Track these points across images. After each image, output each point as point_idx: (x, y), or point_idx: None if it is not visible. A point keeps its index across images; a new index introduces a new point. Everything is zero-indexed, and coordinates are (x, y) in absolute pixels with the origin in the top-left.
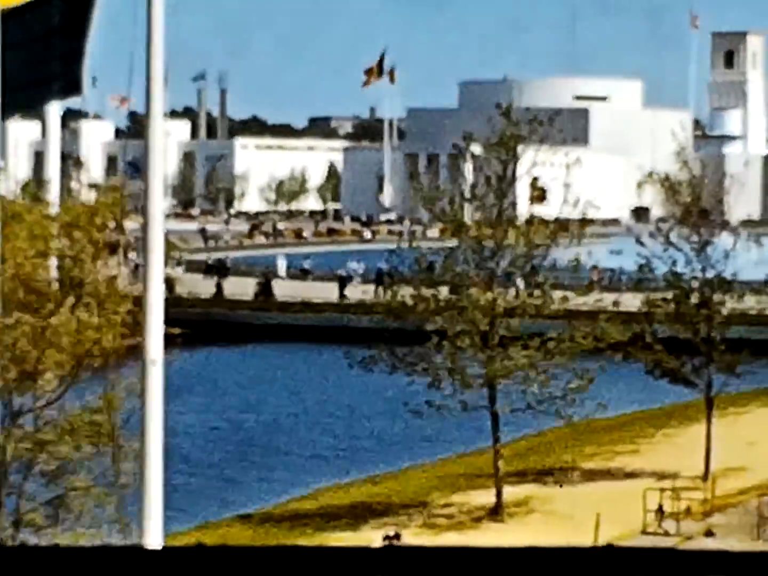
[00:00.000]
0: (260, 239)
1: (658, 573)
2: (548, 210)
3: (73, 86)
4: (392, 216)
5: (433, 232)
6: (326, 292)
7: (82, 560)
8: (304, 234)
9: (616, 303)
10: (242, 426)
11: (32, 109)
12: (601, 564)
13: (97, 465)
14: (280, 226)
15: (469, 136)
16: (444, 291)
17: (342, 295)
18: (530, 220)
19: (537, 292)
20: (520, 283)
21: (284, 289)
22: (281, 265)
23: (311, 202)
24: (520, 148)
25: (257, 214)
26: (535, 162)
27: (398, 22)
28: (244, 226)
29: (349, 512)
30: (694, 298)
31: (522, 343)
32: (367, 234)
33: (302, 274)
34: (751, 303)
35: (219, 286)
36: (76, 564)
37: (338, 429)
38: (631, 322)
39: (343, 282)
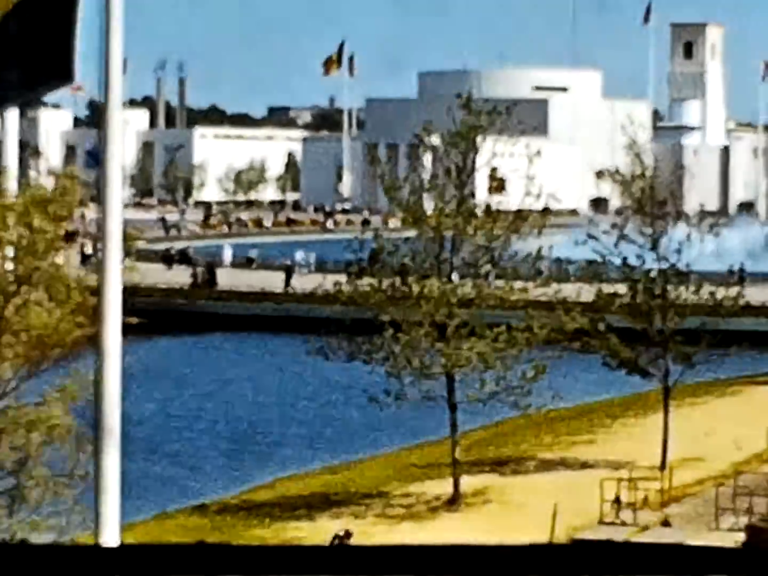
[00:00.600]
0: (224, 229)
1: (663, 571)
2: (508, 201)
3: (65, 74)
4: (347, 206)
5: (395, 221)
6: (271, 281)
7: (82, 560)
8: (265, 224)
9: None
10: (202, 415)
11: (25, 102)
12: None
13: (54, 455)
14: (243, 216)
15: (429, 127)
16: (402, 281)
17: (287, 285)
18: (490, 211)
19: (496, 283)
20: (491, 274)
21: (229, 278)
22: (227, 255)
23: (270, 192)
24: (479, 138)
25: (208, 205)
26: (494, 153)
27: (358, 11)
28: (202, 216)
29: (307, 502)
30: (649, 289)
31: (480, 334)
32: (330, 224)
33: (247, 263)
34: (707, 294)
35: (195, 277)
36: (75, 564)
37: (298, 417)
38: (588, 312)
39: (289, 271)
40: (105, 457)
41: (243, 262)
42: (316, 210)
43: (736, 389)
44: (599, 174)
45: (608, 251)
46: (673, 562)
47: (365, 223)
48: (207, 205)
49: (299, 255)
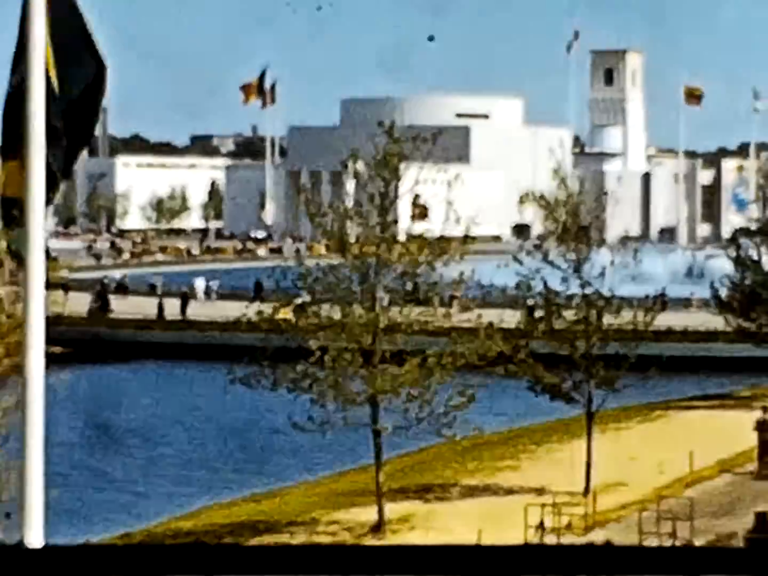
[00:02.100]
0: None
1: (657, 571)
2: (431, 227)
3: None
4: (260, 234)
5: (321, 249)
6: (171, 308)
7: (81, 560)
8: (192, 251)
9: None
10: (124, 441)
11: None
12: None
13: None
14: (166, 244)
15: (356, 154)
16: (326, 308)
17: (183, 312)
18: (412, 238)
19: (420, 309)
20: (415, 300)
21: (126, 306)
22: (113, 281)
23: (194, 221)
24: (402, 166)
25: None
26: (417, 179)
27: (280, 38)
28: (126, 244)
29: (232, 531)
30: (572, 315)
31: (404, 360)
32: (261, 251)
33: (150, 290)
34: (629, 319)
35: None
36: (74, 564)
37: (221, 445)
38: (512, 338)
39: (185, 299)
40: (29, 484)
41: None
42: (233, 237)
43: (659, 414)
44: (522, 200)
45: (532, 276)
46: (673, 563)
47: (298, 251)
48: (117, 234)
49: (200, 282)
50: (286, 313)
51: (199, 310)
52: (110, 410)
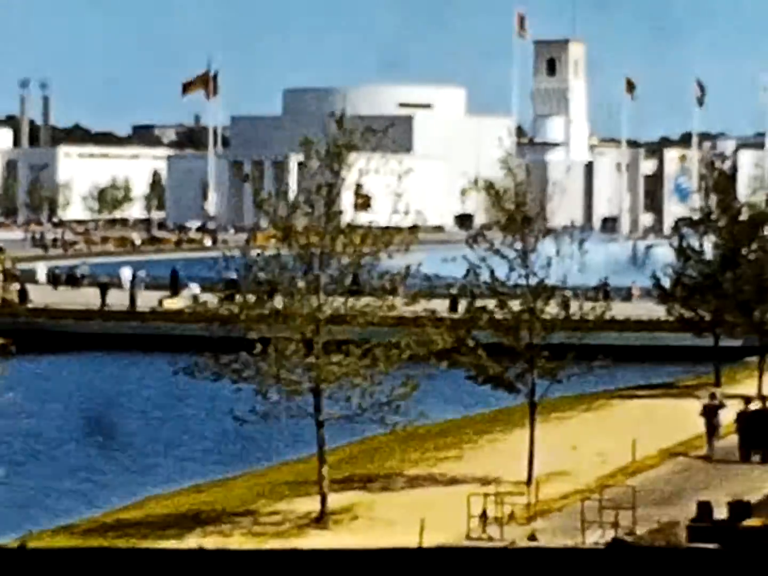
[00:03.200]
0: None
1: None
2: (375, 218)
3: None
4: (196, 224)
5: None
6: (94, 298)
7: (81, 561)
8: (135, 242)
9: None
10: (70, 433)
11: None
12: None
13: None
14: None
15: (307, 142)
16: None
17: (103, 302)
18: (357, 228)
19: (364, 299)
20: (359, 291)
21: (44, 296)
22: (40, 272)
23: (136, 211)
24: (351, 156)
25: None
26: (362, 170)
27: (222, 28)
28: (68, 235)
29: (175, 521)
30: (517, 305)
31: (347, 350)
32: (208, 241)
33: (71, 280)
34: (574, 309)
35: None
36: (75, 564)
37: (166, 436)
38: (456, 328)
39: (105, 289)
40: None
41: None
42: (197, 230)
43: (601, 403)
44: (464, 192)
45: (479, 265)
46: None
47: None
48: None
49: (126, 271)
50: (173, 303)
51: (119, 300)
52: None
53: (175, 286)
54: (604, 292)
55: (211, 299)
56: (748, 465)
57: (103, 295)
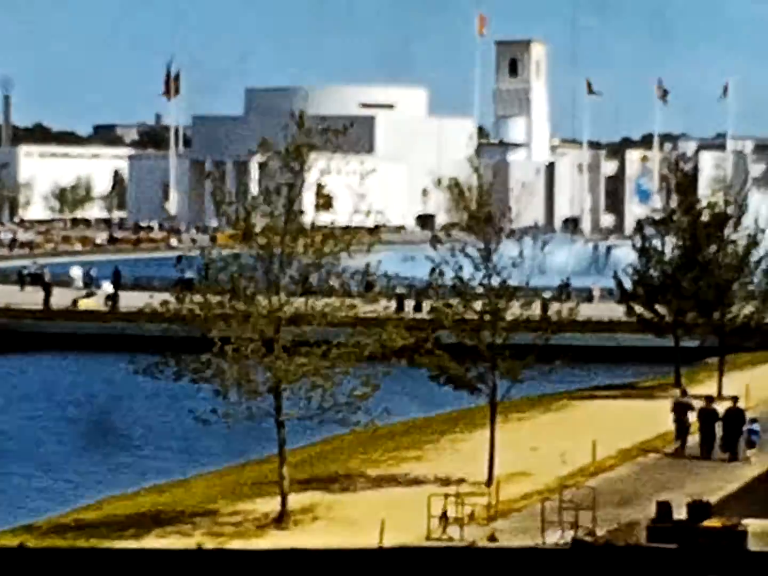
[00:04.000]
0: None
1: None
2: (336, 218)
3: None
4: (153, 223)
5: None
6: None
7: (82, 561)
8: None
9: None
10: (24, 433)
11: None
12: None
13: None
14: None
15: (266, 143)
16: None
17: (46, 302)
18: (318, 228)
19: (325, 299)
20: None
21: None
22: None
23: (97, 211)
24: (311, 156)
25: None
26: (323, 170)
27: (184, 28)
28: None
29: (135, 521)
30: (479, 305)
31: (307, 350)
32: (174, 241)
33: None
34: (537, 309)
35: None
36: (75, 565)
37: (124, 436)
38: (418, 328)
39: (48, 289)
40: None
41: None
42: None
43: (562, 404)
44: (425, 192)
45: (442, 264)
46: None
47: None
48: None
49: (76, 271)
50: (86, 304)
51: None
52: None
53: (117, 283)
54: (565, 292)
55: (154, 300)
56: (711, 464)
57: (47, 294)
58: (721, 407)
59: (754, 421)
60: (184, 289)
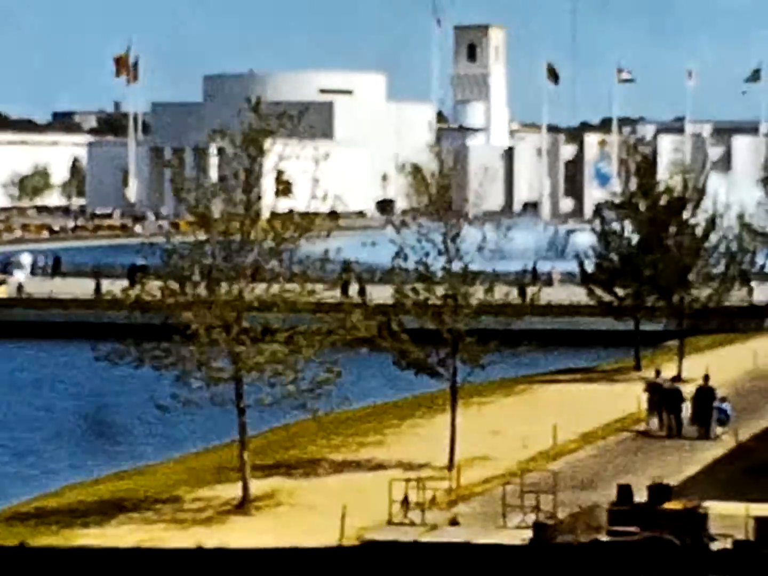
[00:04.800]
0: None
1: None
2: (295, 204)
3: None
4: (107, 210)
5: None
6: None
7: (81, 561)
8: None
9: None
10: None
11: None
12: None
13: None
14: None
15: (220, 131)
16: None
17: None
18: (277, 214)
19: (285, 286)
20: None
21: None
22: None
23: (56, 198)
24: (268, 142)
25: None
26: (281, 156)
27: (143, 14)
28: None
29: (97, 508)
30: (441, 290)
31: (269, 337)
32: (138, 228)
33: None
34: (499, 294)
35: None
36: (75, 564)
37: (88, 422)
38: (380, 314)
39: None
40: None
41: None
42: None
43: (523, 388)
44: (384, 177)
45: (404, 249)
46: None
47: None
48: None
49: (26, 258)
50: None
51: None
52: None
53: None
54: (533, 276)
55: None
56: (674, 445)
57: None
58: (686, 389)
59: (723, 399)
60: (135, 275)
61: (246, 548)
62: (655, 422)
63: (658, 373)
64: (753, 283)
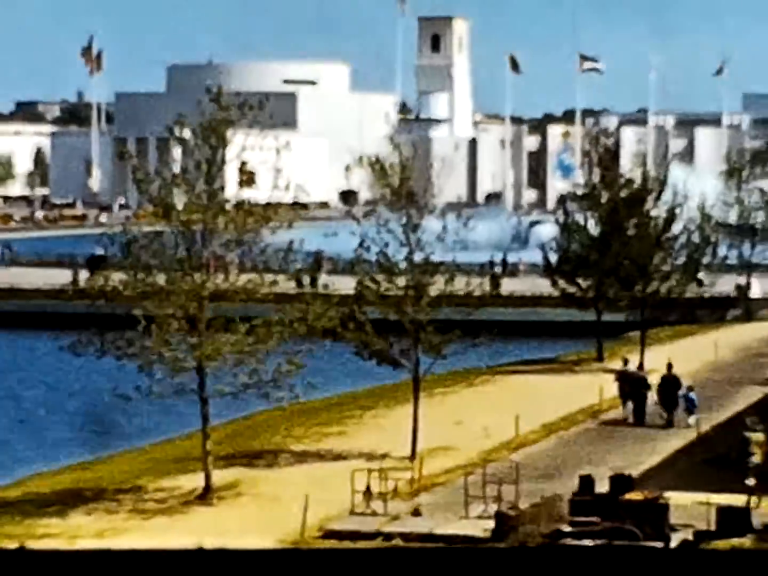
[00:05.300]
0: None
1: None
2: (258, 194)
3: None
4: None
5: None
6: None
7: (81, 562)
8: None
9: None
10: None
11: None
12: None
13: None
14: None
15: (182, 120)
16: (154, 275)
17: None
18: (239, 205)
19: (248, 276)
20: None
21: None
22: None
23: (19, 188)
24: (229, 132)
25: None
26: (244, 146)
27: (107, 4)
28: None
29: (59, 498)
30: (403, 280)
31: (231, 327)
32: (104, 218)
33: None
34: (460, 285)
35: None
36: (74, 565)
37: (50, 413)
38: (343, 304)
39: None
40: None
41: None
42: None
43: (485, 378)
44: (348, 168)
45: (367, 239)
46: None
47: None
48: None
49: None
50: None
51: None
52: None
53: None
54: (503, 267)
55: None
56: (636, 435)
57: None
58: (652, 379)
59: (691, 389)
60: (94, 265)
61: (246, 548)
62: (627, 410)
63: (626, 362)
64: (702, 275)
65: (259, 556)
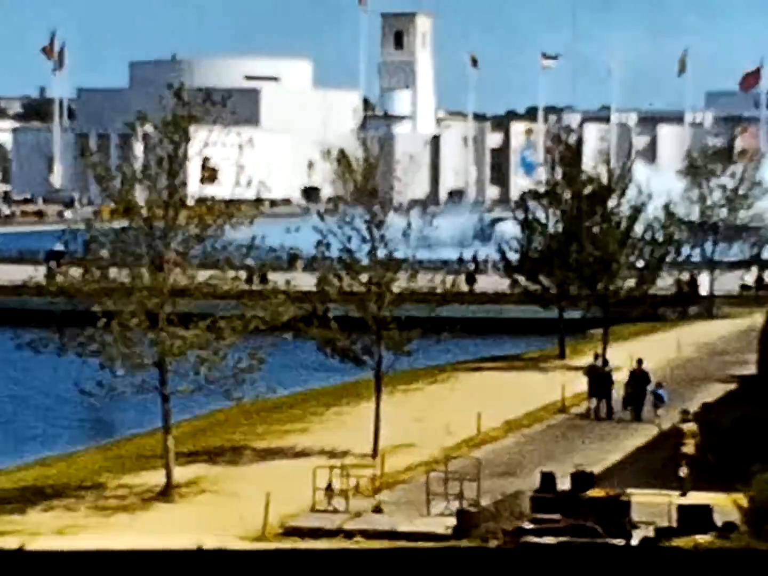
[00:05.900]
0: None
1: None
2: (220, 190)
3: None
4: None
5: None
6: None
7: (80, 563)
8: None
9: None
10: None
11: None
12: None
13: None
14: None
15: (143, 116)
16: (114, 271)
17: None
18: (202, 201)
19: (209, 272)
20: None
21: None
22: None
23: None
24: (192, 128)
25: None
26: (206, 142)
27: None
28: None
29: (19, 495)
30: (365, 277)
31: (192, 323)
32: (68, 214)
33: None
34: (423, 282)
35: None
36: (74, 566)
37: (9, 410)
38: (305, 301)
39: None
40: None
41: None
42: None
43: (447, 375)
44: (310, 164)
45: (327, 236)
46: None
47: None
48: None
49: None
50: None
51: None
52: None
53: None
54: (474, 264)
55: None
56: (598, 432)
57: None
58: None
59: (660, 385)
60: (54, 262)
61: (245, 549)
62: (591, 404)
63: (596, 356)
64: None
65: (259, 556)
